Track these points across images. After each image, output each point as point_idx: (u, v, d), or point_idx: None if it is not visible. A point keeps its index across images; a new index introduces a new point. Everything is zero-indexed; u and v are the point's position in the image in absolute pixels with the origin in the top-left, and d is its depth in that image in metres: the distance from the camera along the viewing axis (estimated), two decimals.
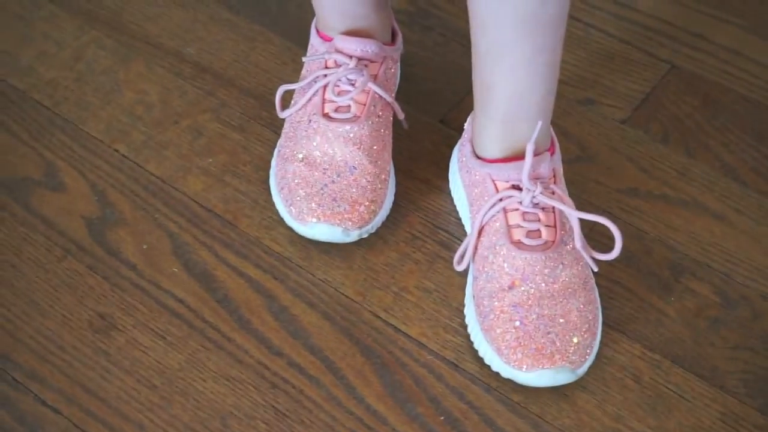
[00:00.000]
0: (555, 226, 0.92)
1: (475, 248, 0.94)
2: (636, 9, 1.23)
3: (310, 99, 1.01)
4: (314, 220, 0.97)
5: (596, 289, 0.94)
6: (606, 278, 0.97)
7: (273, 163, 1.04)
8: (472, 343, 0.93)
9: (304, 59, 1.05)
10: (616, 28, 1.21)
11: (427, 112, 1.11)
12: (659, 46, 1.18)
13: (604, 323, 0.94)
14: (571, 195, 0.96)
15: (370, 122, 1.00)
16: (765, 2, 1.24)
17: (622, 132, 1.10)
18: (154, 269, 0.99)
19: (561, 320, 0.89)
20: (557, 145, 0.97)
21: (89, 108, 1.12)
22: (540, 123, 0.90)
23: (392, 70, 1.06)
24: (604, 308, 0.94)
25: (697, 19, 1.22)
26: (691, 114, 1.12)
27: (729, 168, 1.07)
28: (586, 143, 1.09)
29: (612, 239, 0.89)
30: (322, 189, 0.98)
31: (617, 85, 1.15)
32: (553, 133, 0.98)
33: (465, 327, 0.94)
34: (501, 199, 0.93)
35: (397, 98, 1.07)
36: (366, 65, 1.02)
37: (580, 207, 0.95)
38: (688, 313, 0.96)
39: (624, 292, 0.97)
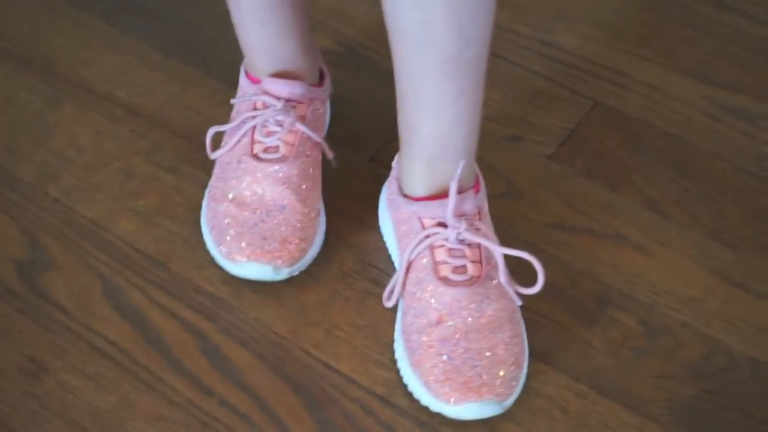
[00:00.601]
0: (480, 262, 0.93)
1: (404, 284, 0.95)
2: (560, 48, 1.26)
3: (239, 140, 1.03)
4: (244, 259, 0.98)
5: (523, 321, 0.95)
6: (532, 311, 0.98)
7: (204, 203, 1.05)
8: (401, 378, 0.94)
9: (233, 101, 1.06)
10: (541, 67, 1.23)
11: (358, 150, 1.13)
12: (583, 84, 1.21)
13: (530, 355, 0.95)
14: (498, 230, 0.98)
15: (298, 162, 1.01)
16: (684, 41, 1.28)
17: (547, 167, 1.13)
18: (85, 312, 0.98)
19: (488, 353, 0.90)
20: (482, 182, 0.99)
21: (20, 152, 1.12)
22: (463, 162, 0.92)
23: (321, 111, 1.07)
24: (530, 340, 0.96)
25: (620, 57, 1.25)
26: (614, 149, 1.15)
27: (651, 201, 1.10)
28: (513, 179, 1.11)
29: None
30: (252, 228, 0.99)
31: (543, 121, 1.17)
32: (478, 171, 0.99)
33: (395, 362, 0.95)
34: (427, 236, 0.94)
35: (328, 137, 1.08)
36: (294, 106, 1.03)
37: (507, 242, 0.96)
38: (613, 344, 0.98)
39: (550, 324, 0.99)
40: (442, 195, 0.94)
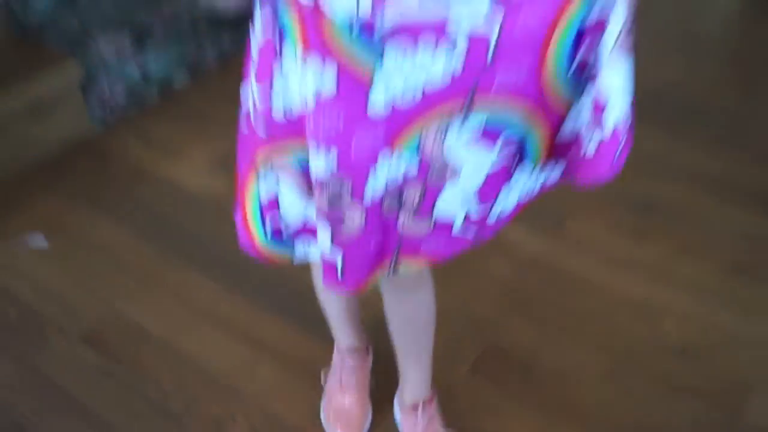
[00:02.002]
0: None
1: None
2: (467, 313, 2.30)
3: (334, 378, 2.13)
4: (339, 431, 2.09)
5: None
6: None
7: (321, 406, 2.15)
8: None
9: (331, 366, 2.17)
10: (457, 326, 2.25)
11: (386, 376, 2.05)
12: (482, 332, 2.24)
13: None
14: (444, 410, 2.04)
15: (359, 389, 2.11)
16: (555, 308, 2.33)
17: (467, 378, 2.18)
18: None
19: None
20: (435, 394, 2.05)
21: (198, 400, 2.22)
22: (426, 393, 2.01)
23: (368, 363, 2.17)
24: None
25: (504, 318, 2.28)
26: (495, 366, 2.19)
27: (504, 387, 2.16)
28: (448, 387, 2.15)
29: None
30: (341, 419, 2.09)
31: (459, 356, 2.21)
32: (433, 387, 2.04)
33: None
34: (412, 424, 2.03)
35: (372, 372, 2.16)
36: (359, 365, 2.13)
37: (449, 420, 2.03)
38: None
39: None
40: (418, 405, 2.03)
